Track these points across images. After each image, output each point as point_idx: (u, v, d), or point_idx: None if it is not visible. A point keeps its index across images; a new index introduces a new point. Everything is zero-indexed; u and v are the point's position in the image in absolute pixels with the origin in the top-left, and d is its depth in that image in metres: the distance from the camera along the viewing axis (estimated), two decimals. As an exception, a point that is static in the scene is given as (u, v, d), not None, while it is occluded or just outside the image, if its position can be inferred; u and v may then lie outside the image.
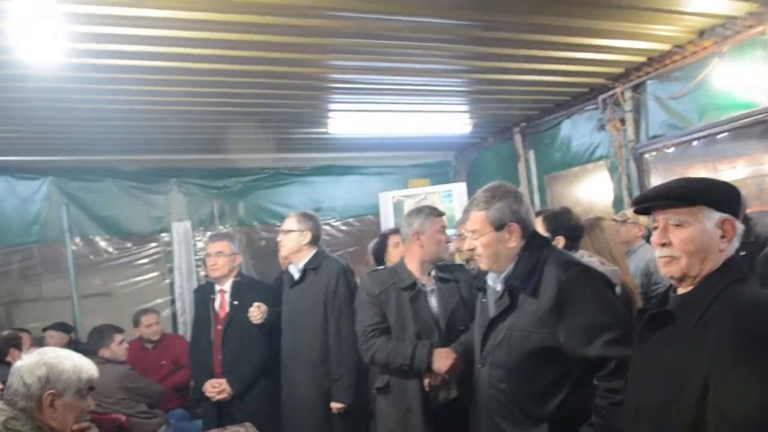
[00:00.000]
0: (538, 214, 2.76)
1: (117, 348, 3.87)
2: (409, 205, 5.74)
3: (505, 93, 4.92)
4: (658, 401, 1.36)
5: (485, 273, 2.14)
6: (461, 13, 3.23)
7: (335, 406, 3.10)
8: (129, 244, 5.80)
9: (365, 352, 2.70)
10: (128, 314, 5.36)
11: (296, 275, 3.30)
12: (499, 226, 1.99)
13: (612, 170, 5.02)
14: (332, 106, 4.89)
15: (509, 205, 1.99)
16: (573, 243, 2.84)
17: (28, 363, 1.83)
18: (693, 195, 1.43)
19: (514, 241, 1.98)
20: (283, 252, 3.37)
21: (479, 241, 2.03)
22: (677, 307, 1.41)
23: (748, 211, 3.17)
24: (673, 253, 1.42)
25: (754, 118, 3.77)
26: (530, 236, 2.02)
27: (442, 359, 2.49)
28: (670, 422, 1.33)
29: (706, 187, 1.46)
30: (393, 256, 3.68)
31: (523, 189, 5.79)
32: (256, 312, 3.28)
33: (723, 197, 1.43)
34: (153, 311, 4.86)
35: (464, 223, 2.18)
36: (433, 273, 2.74)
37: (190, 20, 2.88)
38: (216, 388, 3.38)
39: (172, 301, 5.85)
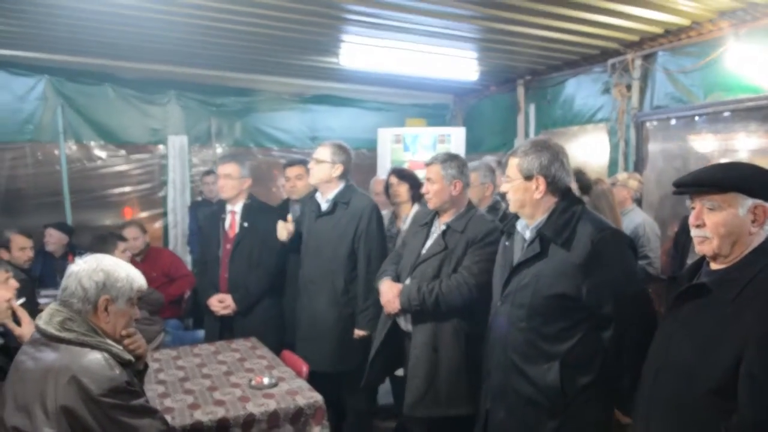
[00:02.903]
0: None
1: (120, 256, 3.90)
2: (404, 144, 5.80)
3: (515, 45, 4.91)
4: (690, 359, 1.52)
5: (514, 218, 2.29)
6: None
7: (359, 333, 3.23)
8: (123, 152, 5.75)
9: None
10: (120, 223, 5.45)
11: (324, 206, 3.33)
12: (527, 176, 2.14)
13: (611, 134, 5.14)
14: (344, 37, 4.84)
15: (541, 159, 2.12)
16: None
17: (86, 268, 1.90)
18: (726, 183, 1.54)
19: (539, 193, 2.12)
20: (312, 180, 3.36)
21: (510, 186, 2.19)
22: (713, 281, 1.56)
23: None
24: (706, 234, 1.56)
25: (759, 102, 3.91)
26: (564, 193, 2.16)
27: (384, 291, 2.80)
28: (696, 379, 1.49)
29: (740, 175, 1.55)
30: (395, 196, 3.83)
31: (519, 142, 5.91)
32: (285, 230, 3.41)
33: (756, 185, 1.53)
34: (136, 224, 4.72)
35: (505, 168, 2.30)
36: (449, 220, 2.76)
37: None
38: (222, 303, 3.53)
39: (164, 214, 5.89)
